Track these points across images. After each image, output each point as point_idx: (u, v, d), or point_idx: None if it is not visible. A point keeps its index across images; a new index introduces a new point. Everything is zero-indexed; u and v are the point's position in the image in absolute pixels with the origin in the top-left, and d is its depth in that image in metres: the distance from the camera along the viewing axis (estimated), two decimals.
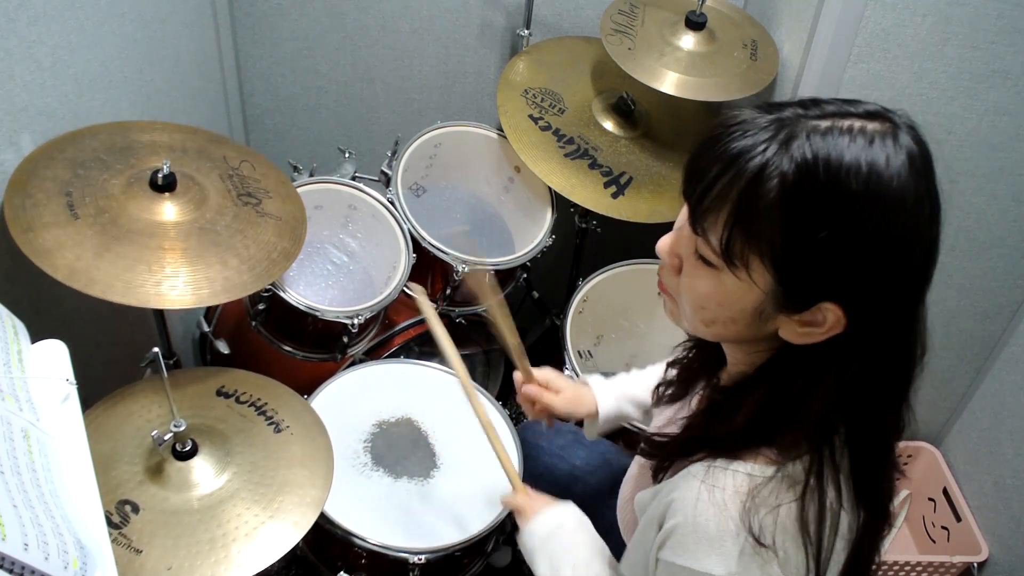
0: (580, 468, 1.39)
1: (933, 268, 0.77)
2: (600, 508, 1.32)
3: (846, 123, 0.71)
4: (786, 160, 0.70)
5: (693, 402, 0.99)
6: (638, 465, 1.08)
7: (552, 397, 1.24)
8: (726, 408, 0.85)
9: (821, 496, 0.79)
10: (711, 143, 0.75)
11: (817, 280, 0.73)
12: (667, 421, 1.04)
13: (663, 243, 0.83)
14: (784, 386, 0.80)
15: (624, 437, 1.44)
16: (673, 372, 1.05)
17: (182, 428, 1.09)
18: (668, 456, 0.90)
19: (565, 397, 1.25)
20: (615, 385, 1.28)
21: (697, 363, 1.00)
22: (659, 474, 0.91)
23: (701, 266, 0.78)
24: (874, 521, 0.84)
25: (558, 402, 1.24)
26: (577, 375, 1.54)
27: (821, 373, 0.77)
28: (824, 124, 0.71)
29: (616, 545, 1.12)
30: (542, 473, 1.41)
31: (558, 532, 1.09)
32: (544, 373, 1.26)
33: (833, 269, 0.71)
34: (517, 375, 1.25)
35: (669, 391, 1.04)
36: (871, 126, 0.71)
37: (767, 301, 0.76)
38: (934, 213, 0.74)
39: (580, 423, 1.32)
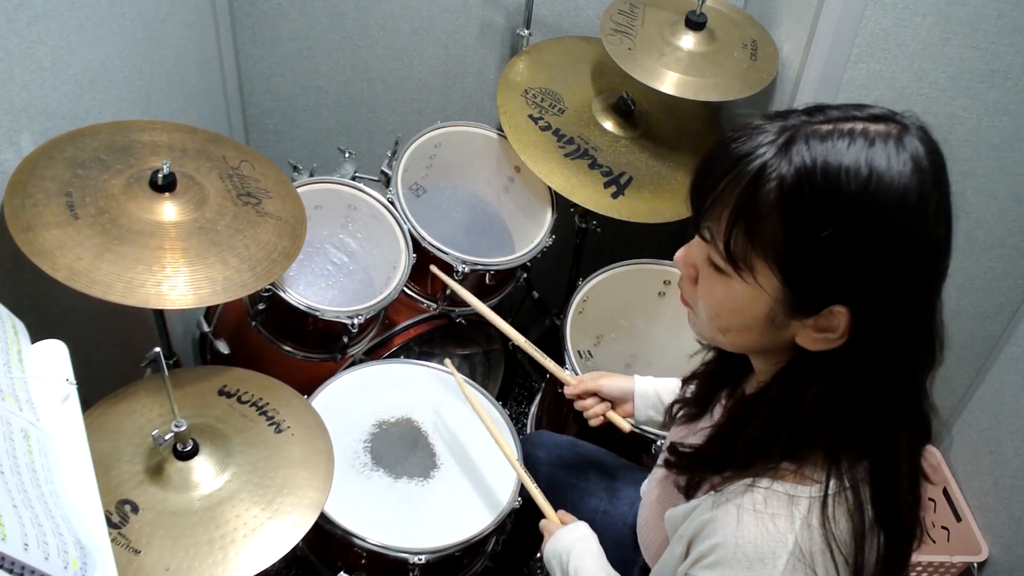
0: (577, 474, 1.39)
1: (944, 267, 0.76)
2: (596, 513, 1.33)
3: (848, 126, 0.72)
4: (785, 163, 0.71)
5: (716, 412, 0.99)
6: (659, 483, 1.06)
7: (597, 381, 1.30)
8: (746, 418, 0.85)
9: (861, 515, 0.78)
10: (716, 148, 0.76)
11: (823, 282, 0.73)
12: (688, 432, 1.03)
13: (679, 254, 0.85)
14: (798, 392, 0.79)
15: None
16: (689, 389, 1.04)
17: (183, 428, 1.09)
18: (694, 469, 0.89)
19: (609, 376, 1.31)
20: (652, 380, 1.32)
21: (716, 378, 0.99)
22: (691, 491, 0.90)
23: (714, 273, 0.79)
24: (897, 544, 0.83)
25: (604, 382, 1.30)
26: (577, 375, 1.54)
27: (835, 376, 0.77)
28: (826, 128, 0.72)
29: (609, 548, 1.12)
30: (541, 482, 1.41)
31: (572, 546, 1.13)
32: (582, 377, 1.33)
33: (838, 271, 0.71)
34: (567, 388, 1.33)
35: (684, 410, 1.04)
36: (874, 128, 0.71)
37: (777, 306, 0.76)
38: (941, 212, 0.73)
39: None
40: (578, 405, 1.31)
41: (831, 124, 0.72)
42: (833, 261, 0.71)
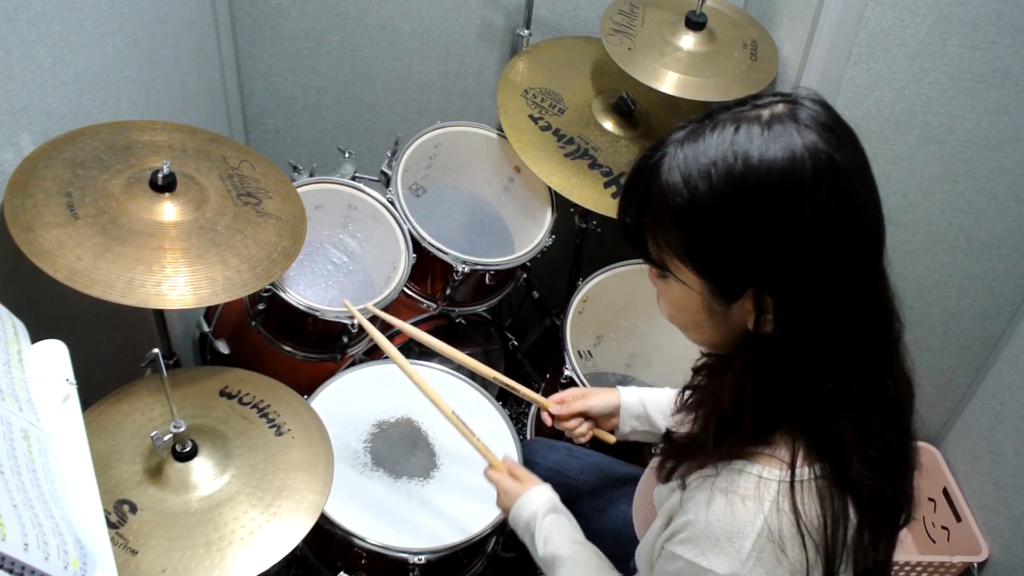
0: (575, 478, 1.40)
1: (871, 241, 0.77)
2: (594, 513, 1.33)
3: (724, 116, 0.76)
4: (668, 170, 0.76)
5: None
6: (653, 467, 1.09)
7: (585, 401, 1.26)
8: (714, 404, 0.86)
9: (832, 498, 0.79)
10: (635, 164, 0.82)
11: (730, 268, 0.76)
12: (684, 419, 1.05)
13: (650, 271, 0.88)
14: (748, 372, 0.81)
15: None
16: (697, 378, 1.05)
17: (182, 429, 1.09)
18: (673, 456, 0.92)
19: (594, 394, 1.28)
20: (636, 389, 1.30)
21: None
22: (664, 474, 0.92)
23: (659, 280, 0.85)
24: (886, 521, 0.84)
25: (593, 401, 1.26)
26: (577, 375, 1.54)
27: (776, 353, 0.78)
28: (706, 127, 0.76)
29: (607, 546, 1.13)
30: None
31: (544, 516, 1.14)
32: (564, 394, 1.29)
33: (738, 256, 0.75)
34: (544, 415, 1.27)
35: (693, 397, 1.04)
36: (752, 113, 0.75)
37: (708, 298, 0.80)
38: (841, 185, 0.74)
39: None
40: (562, 426, 1.27)
41: (712, 120, 0.76)
42: (730, 249, 0.75)
